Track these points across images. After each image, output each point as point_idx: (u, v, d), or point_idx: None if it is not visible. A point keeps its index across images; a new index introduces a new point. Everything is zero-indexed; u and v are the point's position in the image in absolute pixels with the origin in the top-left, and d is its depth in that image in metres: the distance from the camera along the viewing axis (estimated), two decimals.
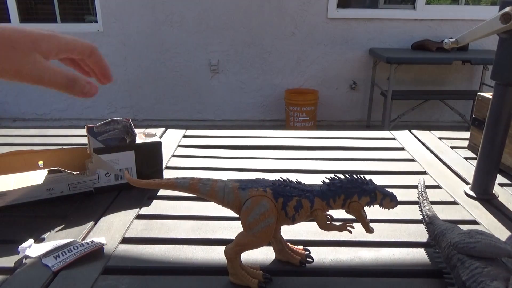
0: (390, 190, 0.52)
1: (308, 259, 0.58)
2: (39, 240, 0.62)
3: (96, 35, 3.78)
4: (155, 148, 0.81)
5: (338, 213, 0.57)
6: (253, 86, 3.96)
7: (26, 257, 0.57)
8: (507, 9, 0.64)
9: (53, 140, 1.07)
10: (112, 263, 0.57)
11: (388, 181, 0.86)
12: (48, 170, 0.72)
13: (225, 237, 0.64)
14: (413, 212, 0.72)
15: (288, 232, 0.64)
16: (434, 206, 0.73)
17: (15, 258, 0.58)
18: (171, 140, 1.09)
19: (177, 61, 3.88)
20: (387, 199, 0.51)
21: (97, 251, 0.59)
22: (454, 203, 0.77)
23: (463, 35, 0.73)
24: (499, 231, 0.66)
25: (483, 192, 0.78)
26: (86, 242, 0.59)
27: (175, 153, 1.00)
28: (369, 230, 0.51)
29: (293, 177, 0.54)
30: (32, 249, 0.58)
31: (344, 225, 0.52)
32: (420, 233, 0.65)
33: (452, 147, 1.06)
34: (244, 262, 0.55)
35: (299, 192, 0.51)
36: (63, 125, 4.03)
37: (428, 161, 0.97)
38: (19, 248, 0.58)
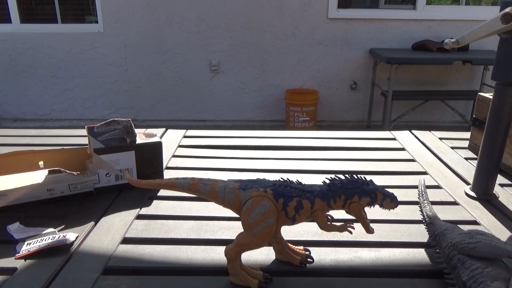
0: (390, 190, 0.52)
1: (308, 259, 0.58)
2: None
3: (96, 36, 3.78)
4: (156, 149, 0.81)
5: (339, 214, 0.57)
6: (253, 86, 3.96)
7: (11, 236, 0.61)
8: (507, 10, 0.64)
9: (53, 141, 1.07)
10: (113, 263, 0.57)
11: (388, 182, 0.86)
12: (49, 171, 0.72)
13: (225, 237, 0.64)
14: (413, 213, 0.72)
15: (289, 232, 0.64)
16: (434, 207, 0.73)
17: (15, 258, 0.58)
18: (171, 141, 1.09)
19: (178, 61, 3.87)
20: (388, 200, 0.51)
21: (62, 247, 0.60)
22: (454, 203, 0.77)
23: (463, 36, 0.73)
24: (500, 232, 0.66)
25: (483, 192, 0.78)
26: (59, 236, 0.61)
27: (175, 154, 1.00)
28: (369, 230, 0.51)
29: (293, 177, 0.54)
30: (17, 230, 0.61)
31: (345, 225, 0.52)
32: (420, 234, 0.65)
33: (453, 148, 1.06)
34: (245, 262, 0.55)
35: (299, 193, 0.51)
36: (63, 125, 4.03)
37: (429, 162, 0.97)
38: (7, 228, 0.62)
